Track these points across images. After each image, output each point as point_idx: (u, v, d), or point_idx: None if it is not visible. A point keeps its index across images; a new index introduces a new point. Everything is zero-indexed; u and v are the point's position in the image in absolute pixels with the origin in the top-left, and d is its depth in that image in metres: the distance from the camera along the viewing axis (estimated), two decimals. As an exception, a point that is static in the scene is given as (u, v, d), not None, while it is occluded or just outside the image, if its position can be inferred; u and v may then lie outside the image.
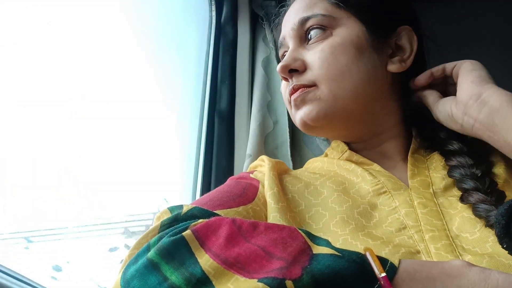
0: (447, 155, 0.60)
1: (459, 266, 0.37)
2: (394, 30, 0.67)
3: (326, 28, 0.64)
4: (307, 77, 0.63)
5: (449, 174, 0.58)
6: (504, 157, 0.58)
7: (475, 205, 0.51)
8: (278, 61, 0.81)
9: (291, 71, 0.64)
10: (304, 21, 0.65)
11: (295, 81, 0.64)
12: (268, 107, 1.01)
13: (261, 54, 1.08)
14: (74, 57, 0.83)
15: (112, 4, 0.98)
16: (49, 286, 0.72)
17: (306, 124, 0.64)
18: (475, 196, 0.52)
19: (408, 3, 0.72)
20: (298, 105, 0.64)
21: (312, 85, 0.62)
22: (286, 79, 0.66)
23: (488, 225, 0.49)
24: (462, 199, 0.54)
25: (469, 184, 0.54)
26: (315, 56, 0.63)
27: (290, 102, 0.66)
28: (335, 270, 0.35)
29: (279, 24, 0.76)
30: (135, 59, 1.02)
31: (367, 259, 0.37)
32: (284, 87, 0.69)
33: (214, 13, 1.19)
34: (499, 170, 0.57)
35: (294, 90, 0.64)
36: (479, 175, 0.55)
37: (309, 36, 0.65)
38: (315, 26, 0.64)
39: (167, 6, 1.21)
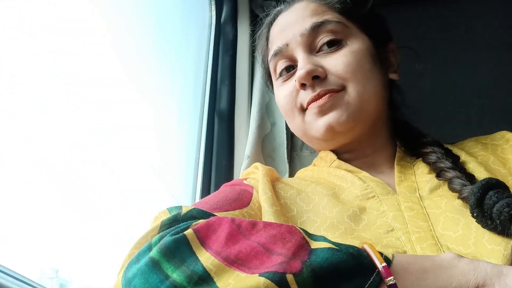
0: (422, 147, 0.64)
1: (450, 258, 0.39)
2: (387, 45, 0.72)
3: (339, 37, 0.65)
4: (333, 82, 0.63)
5: (424, 159, 0.61)
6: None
7: (451, 180, 0.55)
8: (267, 70, 0.77)
9: (313, 78, 0.63)
10: (316, 26, 0.65)
11: (319, 87, 0.63)
12: (267, 108, 1.01)
13: (261, 54, 1.08)
14: (69, 57, 0.83)
15: (111, 3, 0.98)
16: (49, 286, 0.73)
17: (333, 130, 0.62)
18: (452, 173, 0.56)
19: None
20: (325, 111, 0.62)
21: (341, 89, 0.62)
22: (303, 87, 0.64)
23: (461, 197, 0.53)
24: (439, 176, 0.57)
25: (445, 163, 0.58)
26: (337, 61, 0.63)
27: (303, 110, 0.65)
28: (333, 263, 0.36)
29: (266, 33, 0.74)
30: (134, 59, 1.02)
31: (365, 251, 0.38)
32: (292, 94, 0.66)
33: (214, 13, 1.19)
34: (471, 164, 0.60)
35: (318, 96, 0.62)
36: (451, 161, 0.59)
37: (319, 43, 0.65)
38: (329, 33, 0.65)
39: (167, 6, 1.21)
